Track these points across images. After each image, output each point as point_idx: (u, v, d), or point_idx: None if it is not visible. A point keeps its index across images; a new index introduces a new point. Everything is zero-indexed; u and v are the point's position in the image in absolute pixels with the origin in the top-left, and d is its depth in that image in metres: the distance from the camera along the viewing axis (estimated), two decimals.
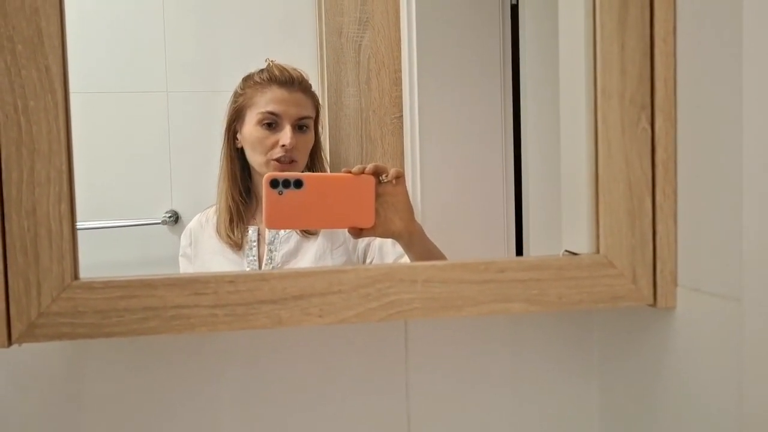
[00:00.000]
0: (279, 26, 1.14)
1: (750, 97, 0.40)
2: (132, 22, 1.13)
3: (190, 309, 0.43)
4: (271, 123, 0.98)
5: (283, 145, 0.96)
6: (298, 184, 0.67)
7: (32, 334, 0.41)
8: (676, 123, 0.47)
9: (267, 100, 0.98)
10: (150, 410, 0.53)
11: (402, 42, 1.04)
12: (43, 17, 0.40)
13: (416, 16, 1.00)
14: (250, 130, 0.99)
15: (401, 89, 1.07)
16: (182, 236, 1.05)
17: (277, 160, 0.97)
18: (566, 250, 0.50)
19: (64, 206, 0.41)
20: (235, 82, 1.03)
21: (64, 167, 0.41)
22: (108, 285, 0.42)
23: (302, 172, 1.00)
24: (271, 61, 1.02)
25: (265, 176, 0.68)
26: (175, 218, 1.11)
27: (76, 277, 0.42)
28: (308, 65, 1.06)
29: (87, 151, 1.10)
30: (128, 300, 0.43)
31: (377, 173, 0.71)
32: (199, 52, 1.15)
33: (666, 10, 0.47)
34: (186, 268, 1.04)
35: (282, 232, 1.00)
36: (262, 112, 0.98)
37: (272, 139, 0.97)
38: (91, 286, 0.42)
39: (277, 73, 0.99)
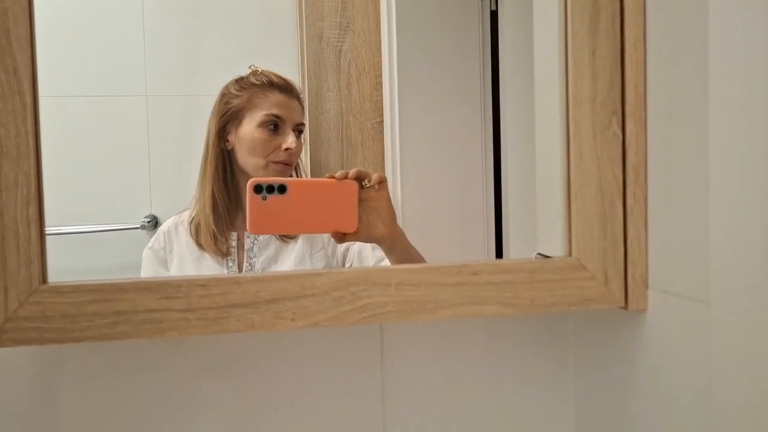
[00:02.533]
0: (260, 30, 1.14)
1: (716, 102, 0.41)
2: (111, 25, 1.12)
3: (161, 313, 0.43)
4: (276, 126, 0.98)
5: (287, 149, 0.97)
6: (282, 189, 0.67)
7: None
8: (646, 128, 0.48)
9: (271, 104, 0.98)
10: (125, 415, 0.53)
11: (382, 47, 1.05)
12: (12, 18, 0.40)
13: (396, 21, 1.00)
14: (250, 132, 0.98)
15: (382, 94, 1.07)
16: (153, 239, 1.04)
17: (279, 162, 0.97)
18: (539, 253, 0.51)
19: (32, 210, 0.41)
20: (216, 86, 1.02)
21: (32, 170, 0.41)
22: (77, 289, 0.42)
23: (290, 176, 1.00)
24: (256, 67, 1.02)
25: (249, 181, 0.67)
26: (154, 223, 1.10)
27: (44, 281, 0.42)
28: (289, 70, 1.06)
29: (65, 156, 1.09)
30: (98, 304, 0.42)
31: (360, 178, 0.71)
32: (179, 55, 1.14)
33: (636, 17, 0.47)
34: (152, 264, 1.02)
35: (261, 237, 0.99)
36: (268, 114, 0.98)
37: (275, 142, 0.97)
38: (59, 290, 0.41)
39: (275, 78, 1.00)
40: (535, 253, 0.51)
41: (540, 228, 0.52)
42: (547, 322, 0.59)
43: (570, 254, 0.48)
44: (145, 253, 1.03)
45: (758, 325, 0.38)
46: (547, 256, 0.49)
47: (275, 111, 0.98)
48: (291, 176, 1.01)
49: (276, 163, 0.97)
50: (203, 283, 0.43)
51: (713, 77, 0.41)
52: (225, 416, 0.54)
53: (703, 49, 0.42)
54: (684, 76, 0.44)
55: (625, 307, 0.49)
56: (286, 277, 0.45)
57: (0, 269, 0.40)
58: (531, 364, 0.59)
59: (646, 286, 0.48)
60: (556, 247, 0.49)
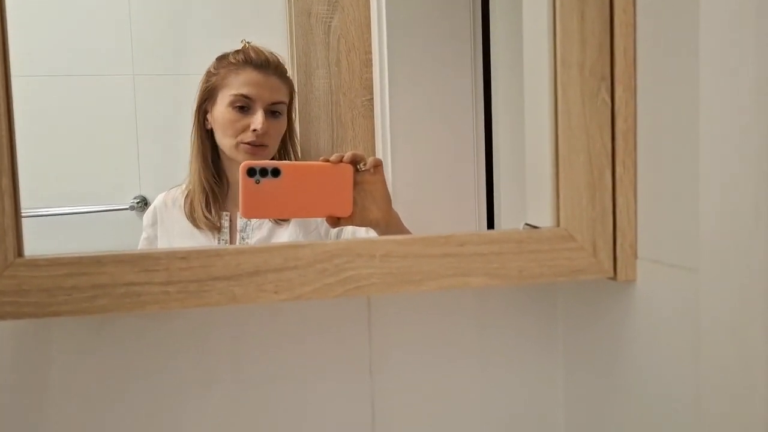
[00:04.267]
0: (248, 7, 1.12)
1: (707, 67, 0.40)
2: (96, 2, 1.10)
3: (140, 286, 0.42)
4: (244, 106, 0.96)
5: (254, 130, 0.95)
6: (276, 172, 0.66)
7: None
8: (635, 94, 0.47)
9: (241, 82, 0.96)
10: (109, 389, 0.52)
11: (372, 23, 1.03)
12: None
13: None
14: (221, 112, 0.97)
15: (371, 71, 1.06)
16: (144, 216, 1.03)
17: (248, 143, 0.95)
18: (527, 224, 0.50)
19: (5, 180, 0.40)
20: (204, 65, 1.01)
21: (5, 140, 0.40)
22: (54, 262, 0.41)
23: (273, 157, 0.99)
24: (248, 42, 1.00)
25: (242, 165, 0.66)
26: (143, 204, 1.09)
27: (19, 254, 0.41)
28: (278, 46, 1.04)
29: (52, 137, 1.08)
30: (76, 278, 0.41)
31: (355, 162, 0.70)
32: (166, 33, 1.12)
33: None
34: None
35: (254, 219, 0.99)
36: (235, 94, 0.96)
37: (243, 122, 0.95)
38: (35, 264, 0.40)
39: (252, 55, 0.97)
40: (522, 224, 0.50)
41: (528, 198, 0.51)
42: (536, 294, 0.58)
43: (558, 224, 0.48)
44: (141, 243, 1.03)
45: (747, 292, 0.38)
46: (535, 227, 0.49)
47: (244, 90, 0.95)
48: (274, 158, 1.00)
49: (245, 144, 0.95)
50: (183, 256, 0.43)
51: (703, 40, 0.40)
52: (211, 390, 0.54)
53: (693, 12, 0.41)
54: (674, 41, 0.43)
55: (614, 277, 0.48)
56: (267, 249, 0.44)
57: None
58: (520, 336, 0.58)
59: (635, 255, 0.48)
60: (543, 217, 0.49)
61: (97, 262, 0.42)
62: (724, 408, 0.40)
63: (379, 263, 0.45)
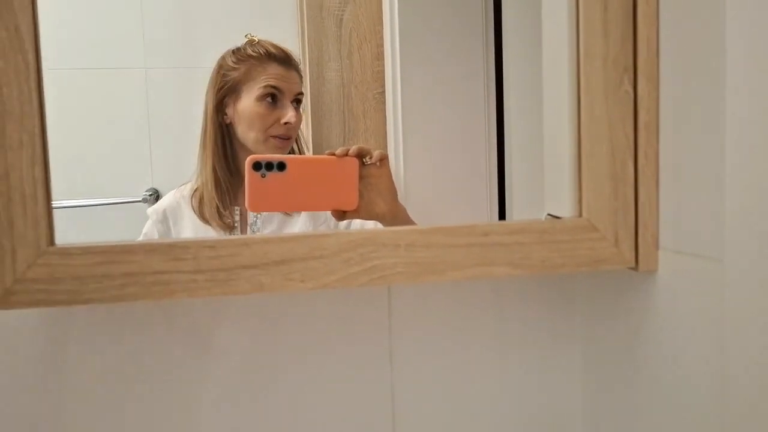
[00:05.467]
0: (260, 0, 1.12)
1: (733, 57, 0.40)
2: None
3: (169, 275, 0.42)
4: (275, 98, 0.97)
5: (287, 123, 0.96)
6: (281, 166, 0.66)
7: (8, 301, 0.40)
8: (658, 85, 0.47)
9: (269, 76, 0.97)
10: (133, 376, 0.53)
11: (384, 15, 1.03)
12: None
13: None
14: (249, 105, 0.97)
15: (383, 64, 1.06)
16: (151, 210, 1.03)
17: (278, 136, 0.97)
18: (549, 214, 0.50)
19: (38, 170, 0.40)
20: (215, 58, 1.01)
21: (37, 130, 0.40)
22: (86, 251, 0.41)
23: (290, 150, 1.00)
24: (252, 36, 1.00)
25: (248, 159, 0.67)
26: (155, 196, 1.09)
27: (51, 242, 0.41)
28: (289, 40, 1.05)
29: (64, 130, 1.08)
30: (107, 266, 0.42)
31: (361, 155, 0.71)
32: (177, 27, 1.12)
33: None
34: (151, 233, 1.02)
35: (264, 212, 0.99)
36: (266, 87, 0.97)
37: (274, 115, 0.97)
38: (68, 252, 0.41)
39: (272, 50, 0.99)
40: (544, 214, 0.51)
41: (548, 189, 0.52)
42: (556, 284, 0.59)
43: (580, 215, 0.48)
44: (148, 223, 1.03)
45: None
46: (557, 217, 0.49)
47: (273, 83, 0.96)
48: (292, 150, 1.00)
49: (275, 137, 0.96)
50: (212, 245, 0.43)
51: (730, 30, 0.40)
52: (233, 377, 0.54)
53: (719, 1, 0.41)
54: (699, 31, 0.43)
55: (636, 268, 0.48)
56: (294, 239, 0.44)
57: (7, 231, 0.40)
58: (539, 326, 0.59)
59: (656, 246, 0.48)
60: (565, 208, 0.49)
61: (128, 251, 0.42)
62: (751, 403, 0.40)
63: (403, 253, 0.45)
